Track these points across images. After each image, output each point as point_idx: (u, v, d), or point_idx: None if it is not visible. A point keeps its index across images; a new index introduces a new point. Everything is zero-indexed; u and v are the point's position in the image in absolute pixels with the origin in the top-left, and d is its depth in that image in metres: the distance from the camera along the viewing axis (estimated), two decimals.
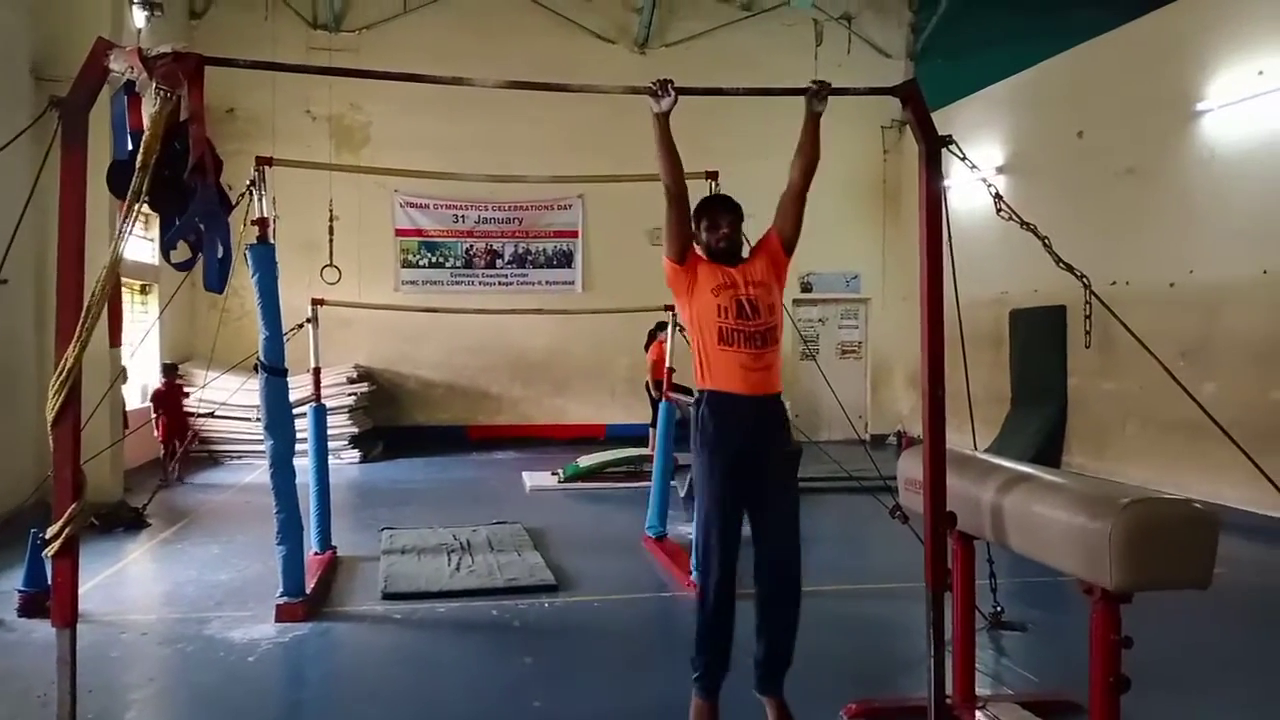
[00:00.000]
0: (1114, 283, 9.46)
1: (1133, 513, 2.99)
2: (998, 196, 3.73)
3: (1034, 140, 11.86)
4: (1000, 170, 11.97)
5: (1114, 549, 2.97)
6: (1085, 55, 10.87)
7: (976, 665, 4.22)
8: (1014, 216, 3.65)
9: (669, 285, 3.94)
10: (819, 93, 3.70)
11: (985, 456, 4.21)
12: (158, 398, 11.07)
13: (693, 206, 3.91)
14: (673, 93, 3.61)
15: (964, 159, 3.63)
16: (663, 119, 3.69)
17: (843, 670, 4.88)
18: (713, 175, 6.14)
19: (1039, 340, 11.22)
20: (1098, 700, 3.18)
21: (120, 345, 3.26)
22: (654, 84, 3.62)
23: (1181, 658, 5.00)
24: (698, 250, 3.90)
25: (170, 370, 11.41)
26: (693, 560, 5.30)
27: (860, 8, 15.01)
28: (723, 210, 3.92)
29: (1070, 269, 3.62)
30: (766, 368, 3.76)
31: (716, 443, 3.75)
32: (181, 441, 10.70)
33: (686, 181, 3.84)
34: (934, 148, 3.59)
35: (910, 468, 4.12)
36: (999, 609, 5.31)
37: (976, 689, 4.12)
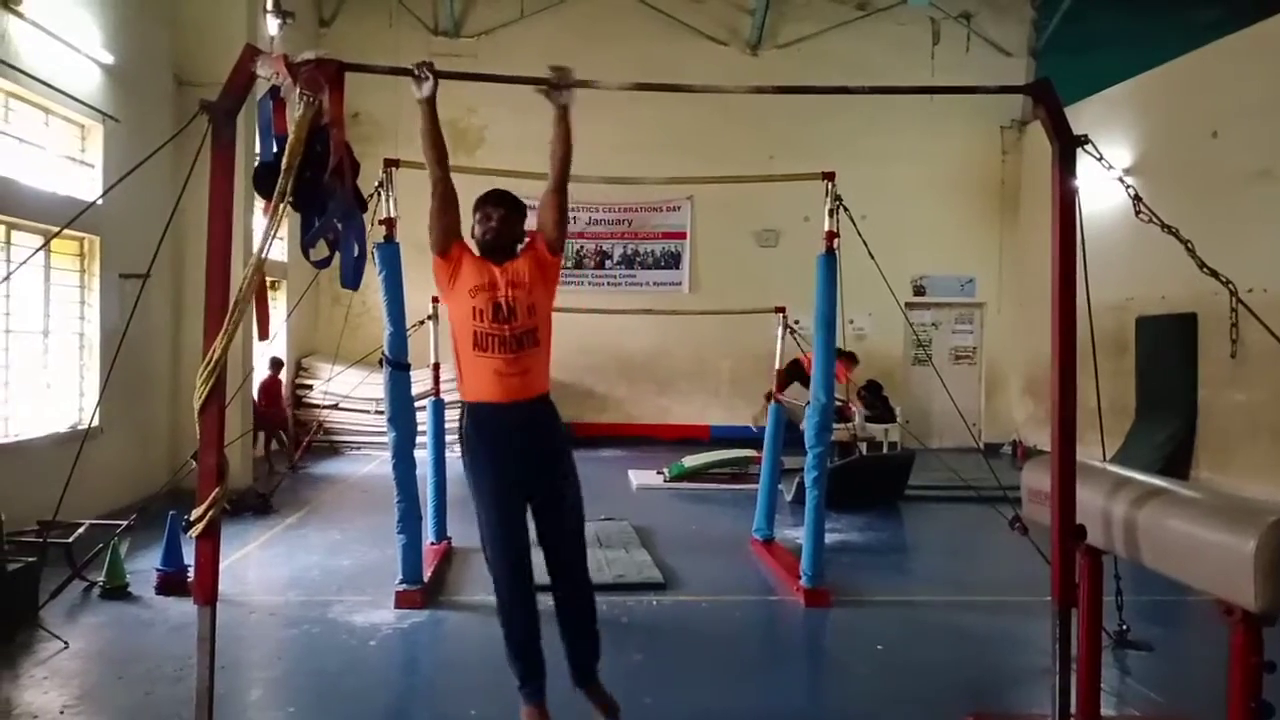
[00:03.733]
0: (1250, 289, 8.98)
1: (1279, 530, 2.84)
2: (1137, 198, 3.58)
3: (1164, 141, 11.37)
4: (1128, 172, 11.52)
5: (1259, 568, 2.83)
6: (1218, 53, 10.38)
7: (1101, 684, 4.07)
8: (1154, 219, 3.51)
9: (436, 282, 3.79)
10: (558, 85, 3.51)
11: (1115, 468, 4.06)
12: (262, 390, 11.30)
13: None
14: (431, 76, 3.47)
15: (1100, 159, 3.51)
16: (427, 104, 3.56)
17: (955, 681, 4.78)
18: (829, 176, 6.08)
19: (1167, 349, 10.75)
20: None
21: (268, 337, 3.41)
22: (414, 67, 3.47)
23: None
24: (471, 246, 3.77)
25: (276, 365, 11.63)
26: None
27: (979, 5, 14.62)
28: (496, 203, 3.77)
29: (1215, 274, 3.46)
30: (524, 372, 3.63)
31: (484, 455, 3.67)
32: (278, 434, 10.99)
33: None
34: (1069, 147, 3.47)
35: (1036, 478, 4.00)
36: (1124, 627, 5.11)
37: (1101, 709, 3.98)
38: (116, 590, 5.84)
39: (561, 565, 3.84)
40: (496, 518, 3.71)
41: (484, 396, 3.66)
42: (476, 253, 3.78)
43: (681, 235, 14.67)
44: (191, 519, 3.23)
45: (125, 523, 6.13)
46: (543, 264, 3.75)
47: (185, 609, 4.84)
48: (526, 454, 3.70)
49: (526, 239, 3.87)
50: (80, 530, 6.02)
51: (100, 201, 6.75)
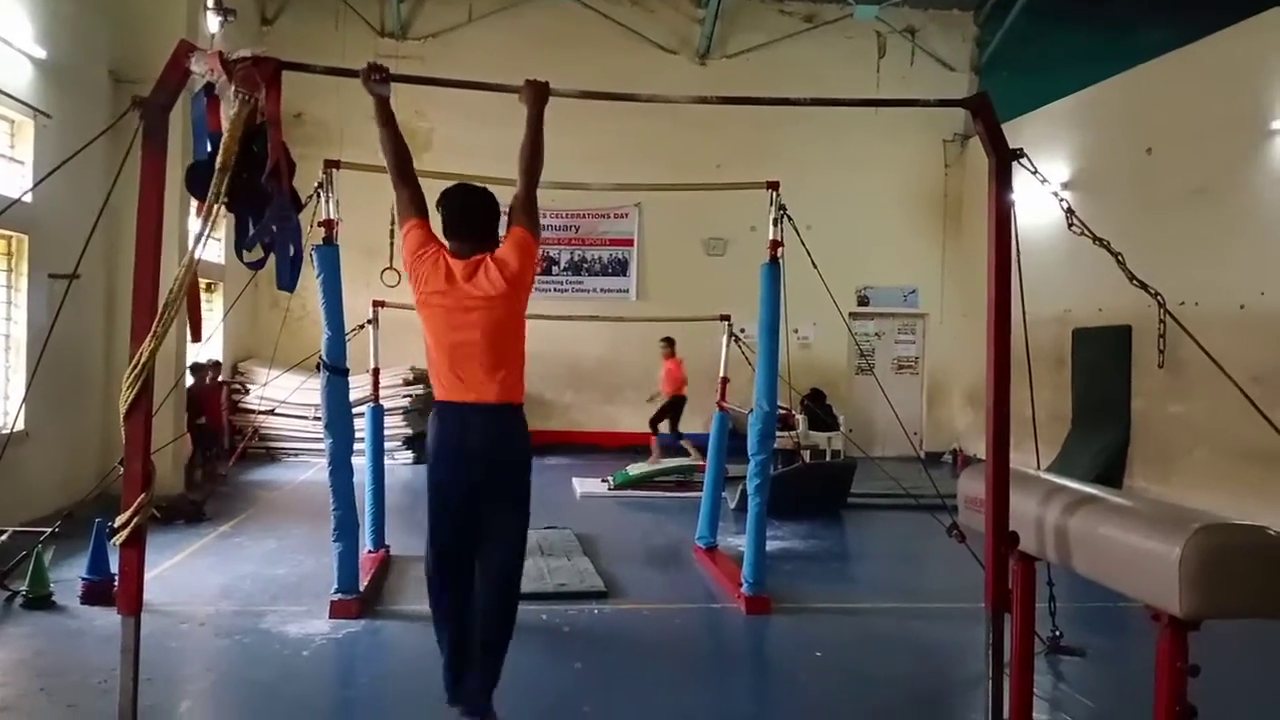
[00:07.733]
0: (1182, 303, 9.21)
1: (1204, 537, 2.89)
2: (1070, 211, 3.64)
3: (1101, 157, 11.64)
4: (1065, 186, 11.75)
5: (1184, 574, 2.87)
6: (1155, 72, 10.66)
7: (1034, 690, 4.13)
8: (1086, 232, 3.57)
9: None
10: (369, 75, 3.56)
11: (1049, 476, 4.12)
12: (191, 395, 10.38)
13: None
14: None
15: (1035, 172, 3.57)
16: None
17: (893, 687, 4.83)
18: (773, 185, 6.11)
19: (1102, 360, 10.99)
20: None
21: (201, 340, 3.31)
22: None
23: (1251, 689, 4.85)
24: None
25: (198, 369, 10.65)
26: None
27: (924, 21, 14.87)
28: None
29: (1144, 286, 3.53)
30: None
31: None
32: (216, 440, 10.62)
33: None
34: (1005, 161, 3.53)
35: (972, 486, 4.04)
36: (1058, 633, 5.20)
37: (1034, 714, 4.03)
38: (40, 600, 5.65)
39: None
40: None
41: None
42: None
43: (629, 242, 14.67)
44: (115, 526, 3.13)
45: (49, 530, 5.95)
46: None
47: (112, 619, 4.66)
48: None
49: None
50: (2, 537, 5.83)
51: (29, 199, 6.59)
